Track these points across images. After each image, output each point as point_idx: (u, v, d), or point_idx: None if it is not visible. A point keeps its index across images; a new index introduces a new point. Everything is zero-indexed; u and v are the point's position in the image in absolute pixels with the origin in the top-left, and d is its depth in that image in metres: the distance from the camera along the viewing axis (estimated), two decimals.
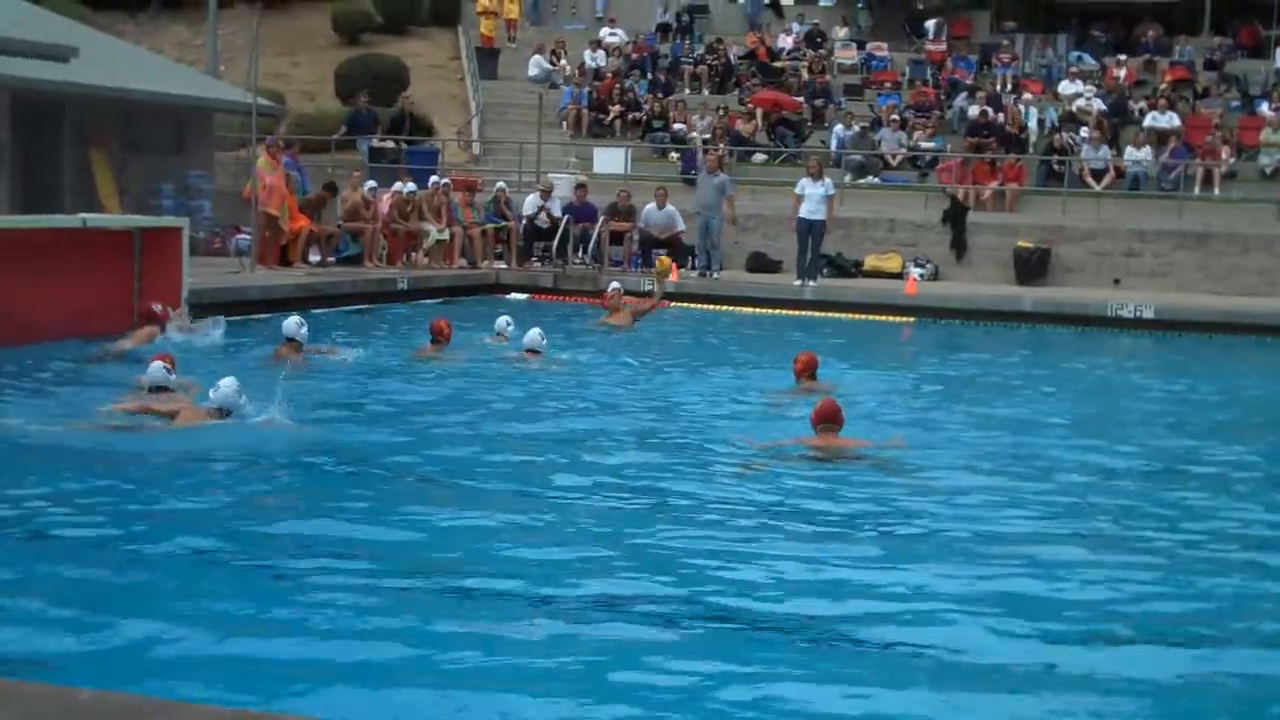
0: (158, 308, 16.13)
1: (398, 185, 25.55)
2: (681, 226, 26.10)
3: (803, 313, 23.66)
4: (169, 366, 11.58)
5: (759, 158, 31.82)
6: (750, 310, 23.80)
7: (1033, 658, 6.53)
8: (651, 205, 26.21)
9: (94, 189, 24.83)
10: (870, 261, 27.50)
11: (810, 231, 25.26)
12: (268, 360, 14.57)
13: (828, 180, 25.72)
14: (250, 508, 8.82)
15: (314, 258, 23.99)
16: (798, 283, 25.06)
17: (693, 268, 25.59)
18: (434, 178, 26.27)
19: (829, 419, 10.82)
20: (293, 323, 14.93)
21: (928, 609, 7.17)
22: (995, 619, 7.02)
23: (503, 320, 16.92)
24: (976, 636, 6.75)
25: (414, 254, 25.39)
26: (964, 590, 7.49)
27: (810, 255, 25.39)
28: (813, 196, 25.17)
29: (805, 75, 35.80)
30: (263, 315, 19.14)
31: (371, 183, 25.55)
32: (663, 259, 14.44)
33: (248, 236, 22.74)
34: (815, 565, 7.83)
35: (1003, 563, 8.13)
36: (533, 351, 15.25)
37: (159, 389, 11.40)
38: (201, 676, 5.73)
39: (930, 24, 39.01)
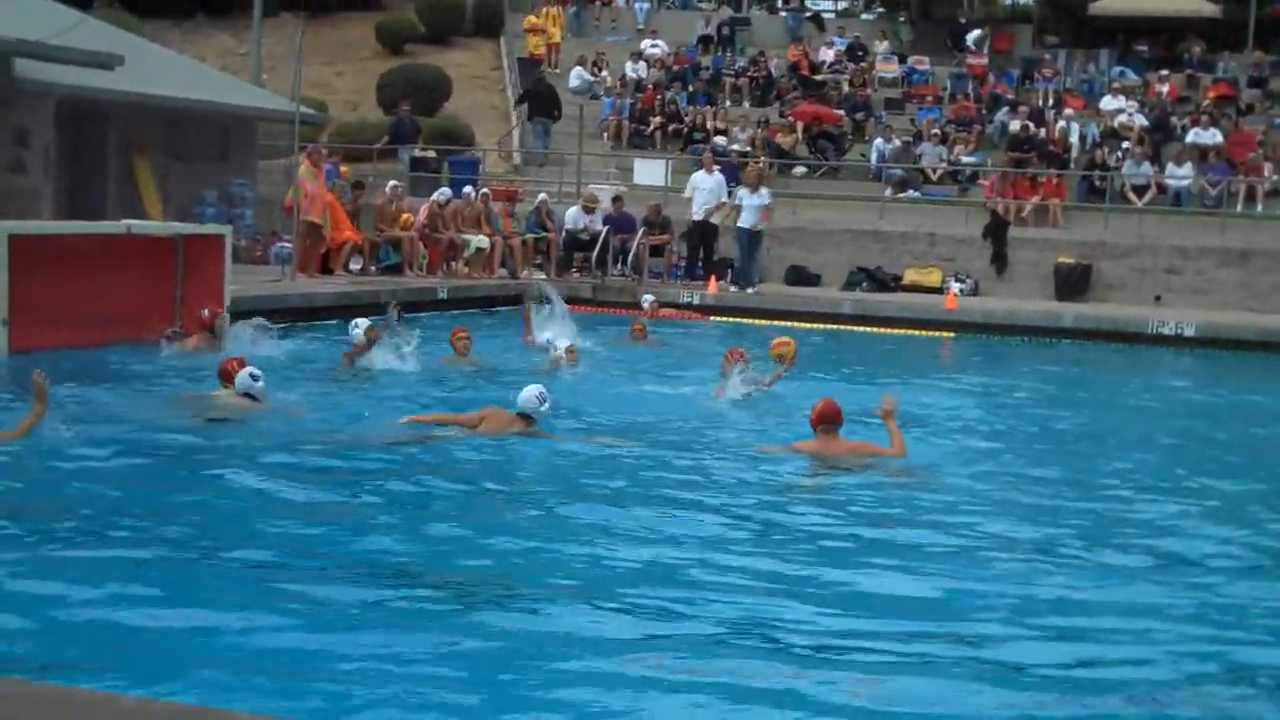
0: (205, 313, 16.20)
1: (436, 193, 25.66)
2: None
3: (841, 327, 23.62)
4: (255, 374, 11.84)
5: (799, 170, 31.83)
6: (789, 324, 23.76)
7: (1037, 659, 6.58)
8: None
9: (138, 196, 25.00)
10: (910, 276, 27.46)
11: (749, 240, 25.63)
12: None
13: (764, 191, 25.80)
14: (296, 514, 8.86)
15: (354, 266, 24.08)
16: (734, 289, 25.46)
17: (732, 281, 25.58)
18: (467, 189, 26.29)
19: (830, 420, 10.87)
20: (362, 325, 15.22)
21: (926, 611, 7.26)
22: (1000, 624, 7.12)
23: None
24: (980, 639, 6.86)
25: (454, 263, 25.46)
26: (964, 594, 7.59)
27: (749, 263, 25.75)
28: (749, 207, 25.45)
29: (846, 88, 35.82)
30: (304, 323, 19.25)
31: (394, 182, 25.68)
32: (786, 341, 13.56)
33: (289, 244, 22.85)
34: (811, 570, 7.91)
35: (1003, 566, 8.28)
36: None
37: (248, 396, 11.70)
38: (249, 685, 5.77)
39: (972, 35, 39.00)
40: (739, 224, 25.67)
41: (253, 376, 11.81)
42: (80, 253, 16.05)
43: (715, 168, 26.49)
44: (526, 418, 11.20)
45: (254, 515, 8.71)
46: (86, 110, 23.65)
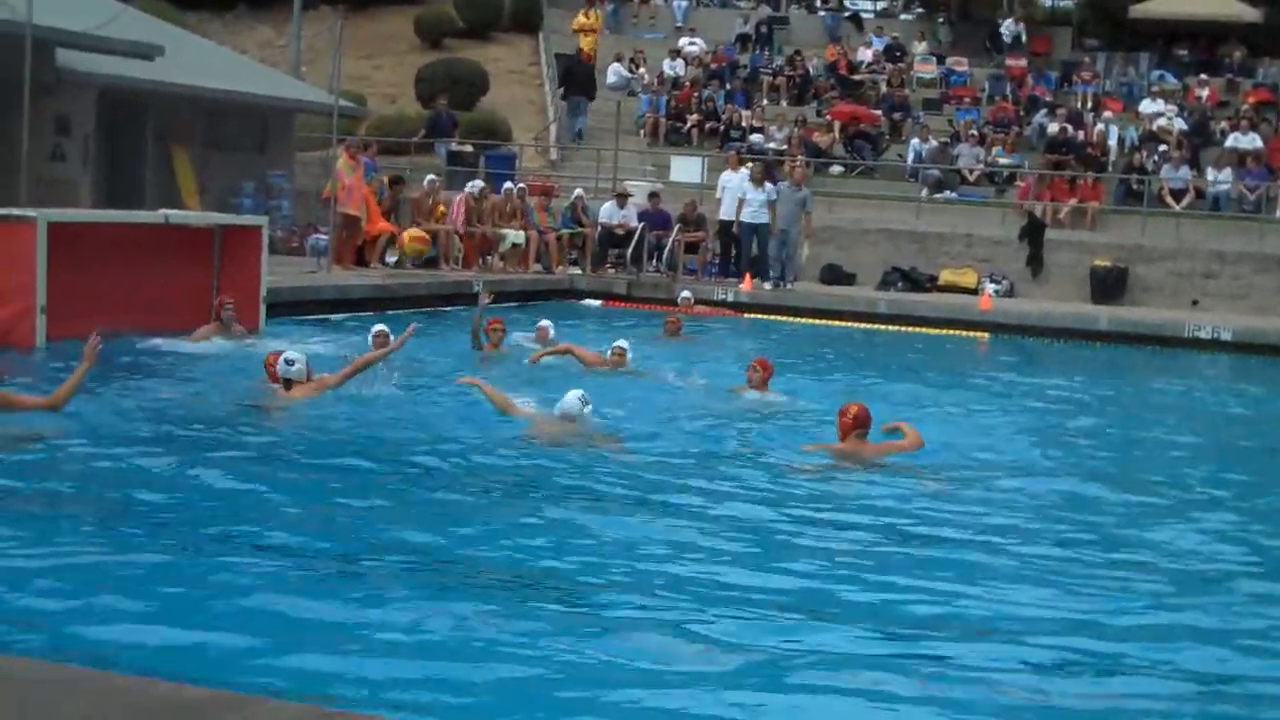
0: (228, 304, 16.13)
1: (469, 186, 25.72)
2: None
3: (875, 326, 23.59)
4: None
5: (835, 170, 31.80)
6: (823, 322, 23.77)
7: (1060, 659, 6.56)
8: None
9: (176, 186, 25.11)
10: (945, 276, 27.40)
11: (755, 234, 25.81)
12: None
13: (769, 186, 25.88)
14: (326, 503, 8.90)
15: (390, 259, 24.15)
16: (767, 286, 25.43)
17: (766, 278, 25.57)
18: (507, 184, 26.38)
19: (864, 424, 10.86)
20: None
21: (956, 614, 7.23)
22: (1030, 623, 7.08)
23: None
24: (1007, 640, 6.84)
25: (490, 258, 25.51)
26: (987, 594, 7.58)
27: (754, 256, 25.94)
28: (753, 202, 25.61)
29: (884, 88, 35.75)
30: (338, 315, 19.33)
31: (431, 176, 25.76)
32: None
33: (325, 236, 22.93)
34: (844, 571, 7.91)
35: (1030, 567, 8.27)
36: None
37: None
38: (275, 672, 5.79)
39: (1005, 26, 38.94)
40: (741, 218, 25.77)
41: (288, 362, 11.86)
42: (118, 242, 16.15)
43: (742, 168, 26.53)
44: (569, 420, 11.19)
45: (302, 505, 8.78)
46: (126, 100, 23.77)
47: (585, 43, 36.75)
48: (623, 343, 15.31)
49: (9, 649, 5.39)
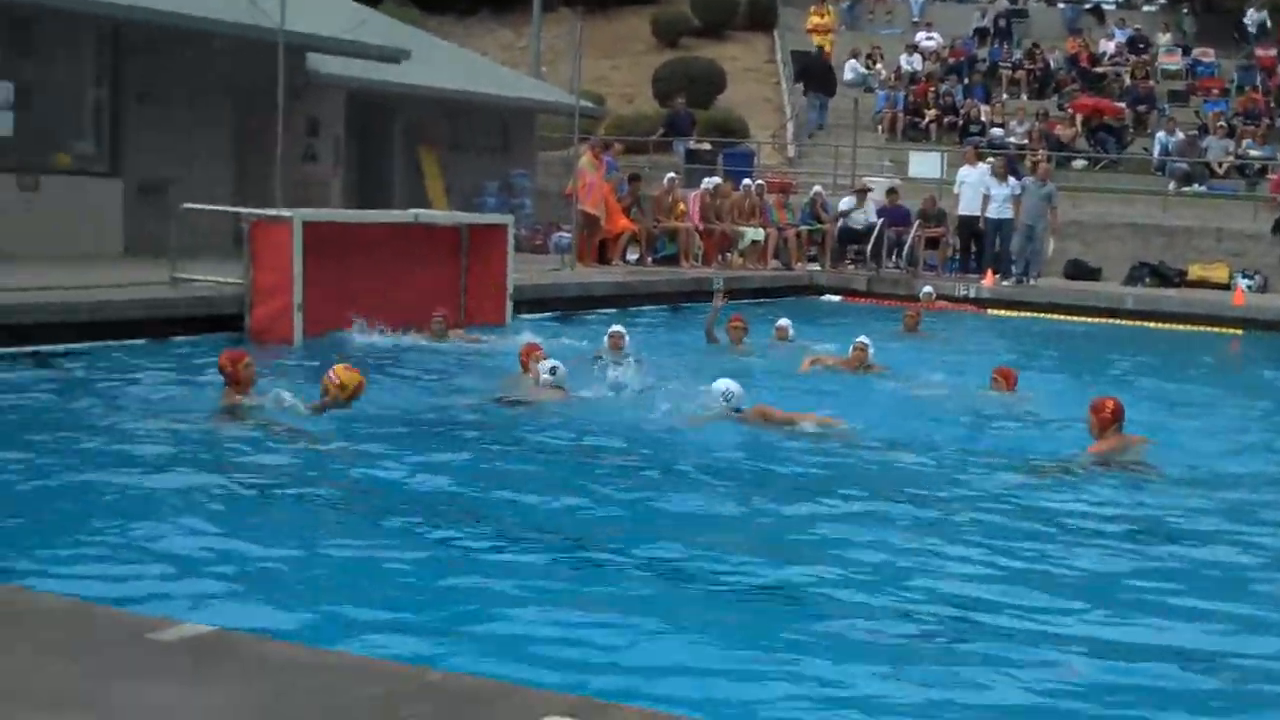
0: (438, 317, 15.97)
1: (704, 183, 25.87)
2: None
3: (1121, 321, 23.12)
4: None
5: (1078, 164, 31.24)
6: (1067, 318, 23.38)
7: None
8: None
9: (423, 185, 25.69)
10: (1194, 271, 26.73)
11: (999, 230, 25.46)
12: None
13: (1013, 180, 25.60)
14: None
15: (631, 256, 24.37)
16: (1006, 283, 25.10)
17: (1008, 274, 25.22)
18: (746, 180, 26.47)
19: (1120, 419, 10.53)
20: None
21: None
22: None
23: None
24: None
25: (729, 255, 25.61)
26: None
27: (997, 252, 25.62)
28: (998, 197, 25.31)
29: (1127, 81, 34.99)
30: (581, 312, 19.57)
31: (671, 174, 25.96)
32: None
33: (568, 234, 23.23)
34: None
35: None
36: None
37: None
38: (542, 662, 5.89)
39: (1250, 15, 37.83)
40: (986, 214, 25.47)
41: (551, 370, 11.98)
42: (370, 241, 16.56)
43: (980, 162, 26.20)
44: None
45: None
46: (374, 102, 24.37)
47: (821, 41, 36.70)
48: (864, 339, 15.07)
49: (290, 637, 5.57)
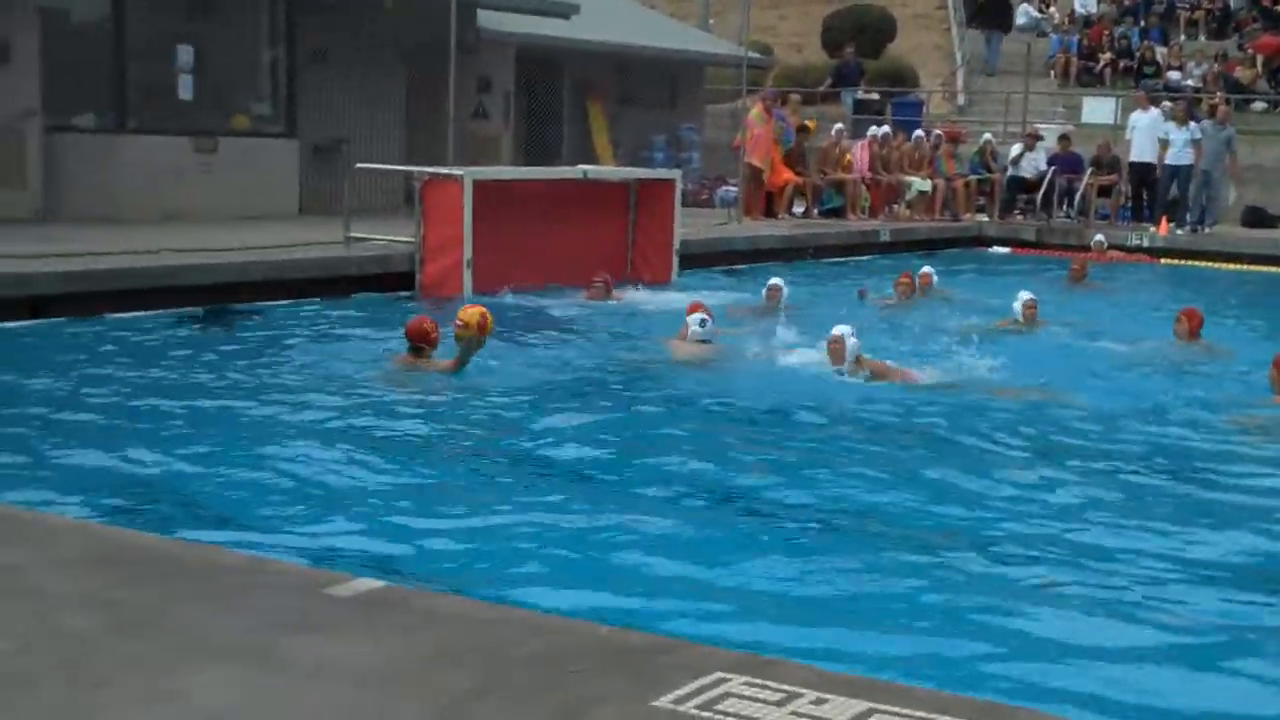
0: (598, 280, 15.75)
1: (871, 130, 25.70)
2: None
3: None
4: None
5: (1258, 106, 30.46)
6: (1244, 267, 22.87)
7: None
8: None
9: (590, 141, 25.82)
10: None
11: (1176, 177, 24.90)
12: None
13: (1192, 125, 24.91)
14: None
15: (798, 209, 24.30)
16: (1180, 232, 24.54)
17: (1184, 222, 24.73)
18: (918, 131, 26.24)
19: None
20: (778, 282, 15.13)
21: None
22: None
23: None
24: None
25: (896, 206, 25.43)
26: None
27: (1172, 198, 25.13)
28: (1177, 141, 24.66)
29: None
30: (747, 265, 19.61)
31: (838, 125, 25.81)
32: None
33: (734, 188, 23.22)
34: None
35: None
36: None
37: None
38: (696, 617, 5.99)
39: None
40: (1165, 160, 24.92)
41: (700, 323, 12.06)
42: (539, 197, 16.74)
43: (1152, 107, 25.62)
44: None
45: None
46: (542, 57, 24.52)
47: None
48: (1028, 295, 14.70)
49: (460, 591, 5.72)
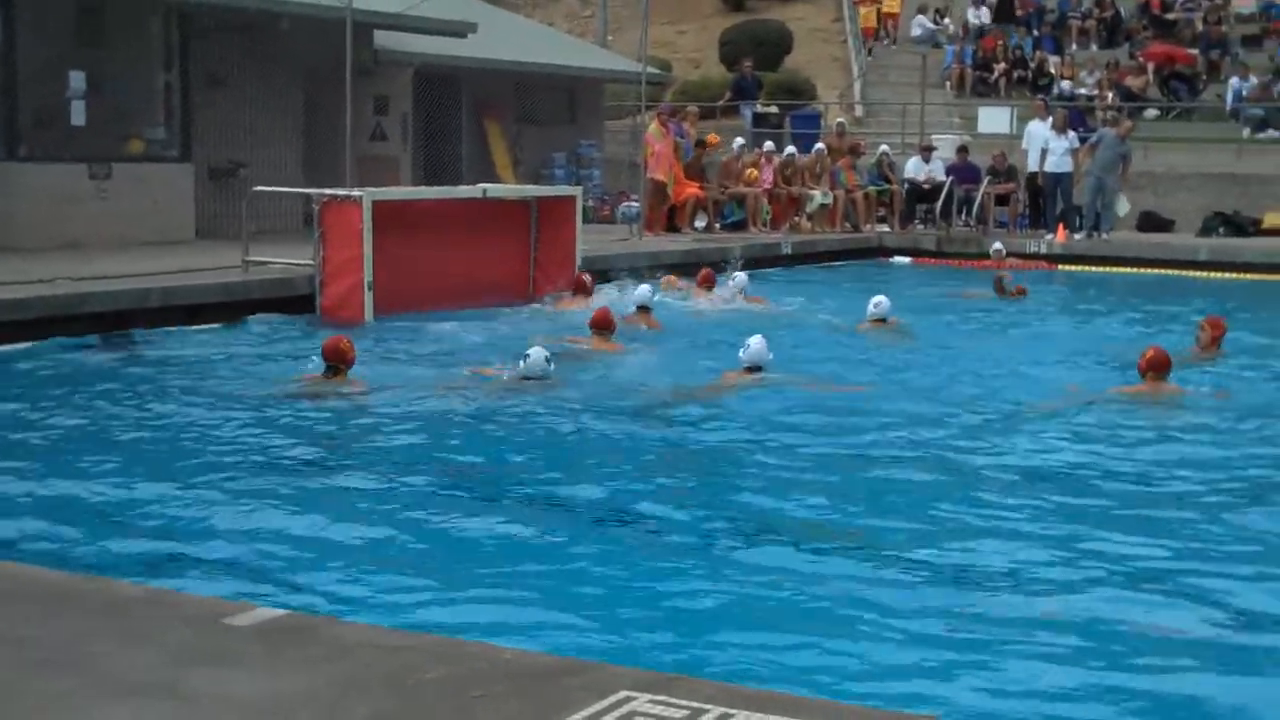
0: (587, 278, 16.49)
1: (769, 146, 25.87)
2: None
3: (1195, 273, 22.89)
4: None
5: (1150, 113, 30.90)
6: (1140, 270, 23.18)
7: None
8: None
9: (490, 160, 25.77)
10: (1270, 219, 26.32)
11: (1058, 185, 25.19)
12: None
13: (1071, 133, 25.20)
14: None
15: (699, 224, 24.36)
16: (1077, 237, 24.76)
17: (1079, 228, 25.01)
18: (819, 145, 26.35)
19: (1159, 368, 10.81)
20: (645, 290, 15.25)
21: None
22: None
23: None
24: None
25: (798, 218, 25.55)
26: None
27: (1060, 208, 25.27)
28: (1056, 150, 24.94)
29: (1199, 26, 34.55)
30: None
31: (739, 140, 25.92)
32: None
33: (635, 204, 23.25)
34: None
35: None
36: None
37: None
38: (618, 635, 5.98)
39: None
40: (1045, 168, 25.18)
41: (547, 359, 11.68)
42: (439, 217, 16.67)
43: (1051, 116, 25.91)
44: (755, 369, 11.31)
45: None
46: (441, 77, 24.45)
47: (864, 15, 36.42)
48: (881, 297, 14.90)
49: (362, 617, 5.68)
